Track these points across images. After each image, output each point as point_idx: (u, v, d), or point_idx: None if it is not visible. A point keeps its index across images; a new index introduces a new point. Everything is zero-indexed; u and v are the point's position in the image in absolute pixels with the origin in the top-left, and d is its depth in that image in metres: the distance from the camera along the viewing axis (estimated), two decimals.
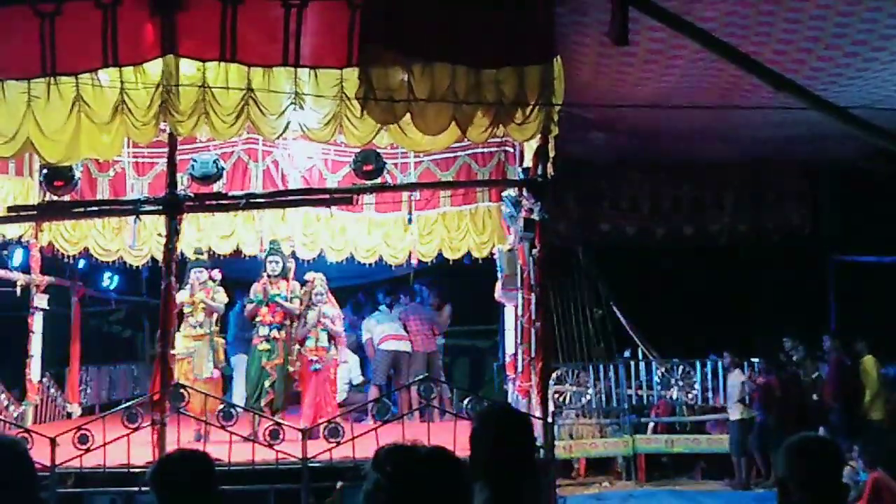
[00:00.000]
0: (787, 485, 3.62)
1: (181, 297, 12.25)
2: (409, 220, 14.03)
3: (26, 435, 9.54)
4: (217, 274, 12.92)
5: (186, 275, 12.64)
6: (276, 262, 12.76)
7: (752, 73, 9.32)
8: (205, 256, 13.21)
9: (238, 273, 13.92)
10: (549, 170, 10.54)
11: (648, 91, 12.32)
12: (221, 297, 12.74)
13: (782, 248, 16.73)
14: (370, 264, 14.93)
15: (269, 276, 12.64)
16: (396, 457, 2.43)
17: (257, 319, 12.60)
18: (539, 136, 10.41)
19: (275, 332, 12.51)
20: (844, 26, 10.18)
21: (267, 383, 12.35)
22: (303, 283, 12.77)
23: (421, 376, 11.80)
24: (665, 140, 14.53)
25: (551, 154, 10.59)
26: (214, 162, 11.54)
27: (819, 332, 16.02)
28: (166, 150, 10.55)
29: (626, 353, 15.64)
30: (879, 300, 15.62)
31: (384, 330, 15.15)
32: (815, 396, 15.15)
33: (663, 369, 15.02)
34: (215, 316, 12.71)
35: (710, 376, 14.94)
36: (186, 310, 12.48)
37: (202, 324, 12.49)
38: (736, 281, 16.57)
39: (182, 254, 12.33)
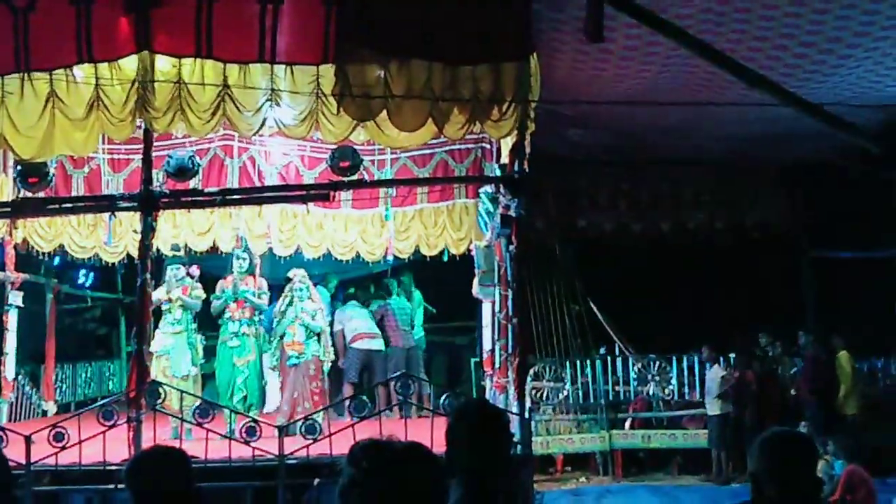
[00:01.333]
0: (759, 479, 3.64)
1: (158, 294, 12.20)
2: (387, 217, 14.02)
3: (0, 433, 9.49)
4: (195, 270, 12.86)
5: (163, 271, 12.60)
6: (244, 260, 12.80)
7: (726, 69, 9.38)
8: (182, 253, 13.17)
9: (214, 270, 13.86)
10: (526, 166, 10.55)
11: (625, 88, 12.35)
12: (199, 294, 12.69)
13: (759, 244, 16.81)
14: (347, 261, 14.89)
15: (236, 273, 12.67)
16: (371, 453, 2.43)
17: (226, 316, 12.58)
18: (516, 132, 10.44)
19: (244, 328, 12.50)
20: (819, 24, 10.24)
21: (239, 380, 12.32)
22: (284, 280, 12.79)
23: (398, 373, 11.81)
24: (642, 136, 14.57)
25: (528, 150, 10.60)
26: (190, 157, 11.48)
27: (796, 328, 16.12)
28: (142, 146, 10.50)
29: (603, 349, 15.66)
30: (855, 295, 15.74)
31: (356, 326, 15.08)
32: (792, 392, 15.25)
33: (640, 365, 15.06)
34: (193, 313, 12.65)
35: (686, 372, 14.99)
36: (164, 307, 12.43)
37: (179, 320, 12.44)
38: (713, 277, 16.64)
39: (158, 250, 12.29)
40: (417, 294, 16.20)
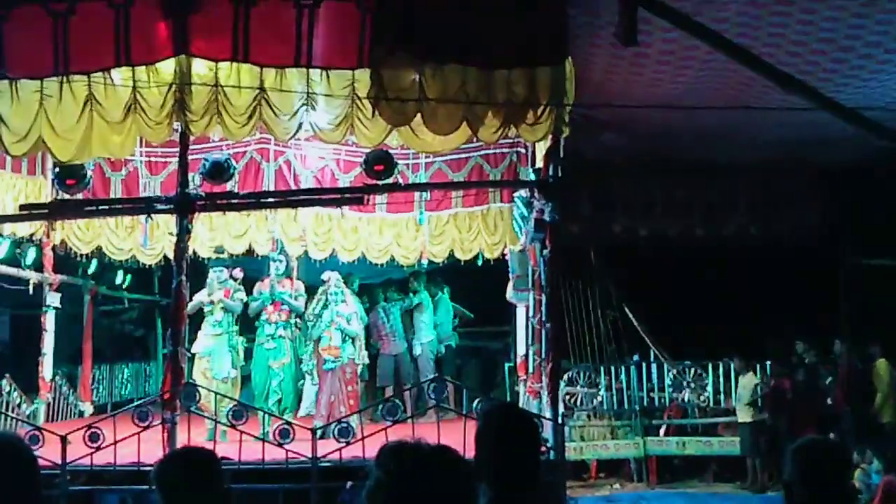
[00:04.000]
0: (793, 487, 3.61)
1: (200, 296, 12.30)
2: (421, 221, 14.03)
3: (37, 433, 9.58)
4: (238, 273, 12.95)
5: (206, 274, 12.69)
6: (281, 262, 12.86)
7: (762, 74, 9.30)
8: (224, 255, 13.24)
9: (250, 273, 13.95)
10: (561, 171, 10.52)
11: (661, 92, 12.28)
12: (240, 297, 12.75)
13: (795, 251, 16.64)
14: (381, 264, 14.92)
15: (273, 275, 12.73)
16: (398, 455, 2.42)
17: (262, 318, 12.64)
18: (550, 136, 10.41)
19: (280, 331, 12.55)
20: (858, 28, 10.13)
21: (275, 383, 12.37)
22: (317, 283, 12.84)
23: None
24: (678, 141, 14.47)
25: (562, 155, 10.57)
26: (226, 160, 11.53)
27: (831, 336, 15.95)
28: (178, 149, 10.57)
29: (637, 356, 15.58)
30: (892, 303, 15.54)
31: None
32: (829, 400, 15.09)
33: (675, 371, 14.97)
34: (235, 315, 12.70)
35: (721, 379, 14.87)
36: (206, 309, 12.51)
37: (221, 323, 12.50)
38: (748, 283, 16.50)
39: (194, 253, 12.37)
40: (444, 297, 16.12)
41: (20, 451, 2.78)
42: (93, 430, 9.55)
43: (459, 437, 7.64)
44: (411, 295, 15.58)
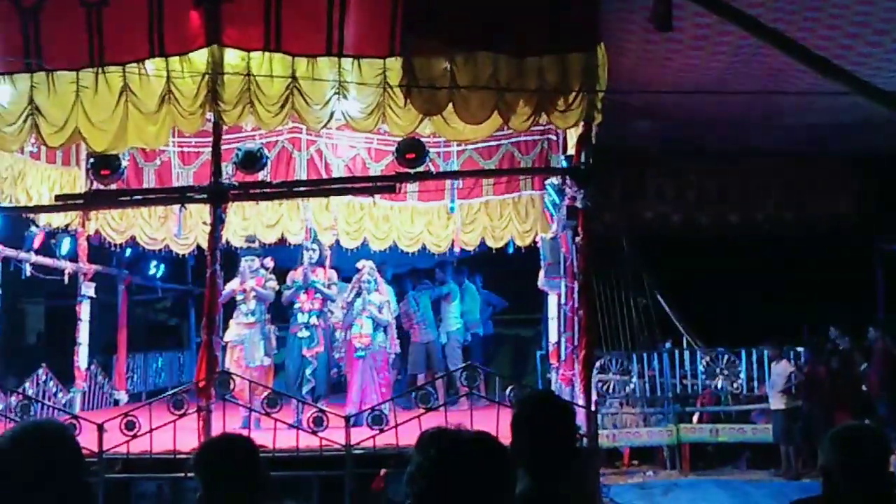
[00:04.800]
0: (831, 474, 3.60)
1: (232, 285, 12.36)
2: (452, 209, 14.03)
3: (74, 421, 9.67)
4: (269, 262, 12.99)
5: (237, 263, 12.75)
6: (314, 251, 12.89)
7: (797, 58, 9.21)
8: (256, 244, 13.31)
9: (283, 262, 14.01)
10: (592, 158, 10.49)
11: (694, 77, 12.21)
12: (273, 285, 12.81)
13: (828, 237, 16.53)
14: (413, 252, 14.95)
15: (306, 263, 12.77)
16: (440, 441, 2.43)
17: (296, 307, 12.69)
18: (582, 123, 10.38)
19: (314, 319, 12.60)
20: (893, 11, 10.02)
21: (308, 371, 12.42)
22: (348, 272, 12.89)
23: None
24: (711, 127, 14.39)
25: (594, 142, 10.53)
26: (259, 149, 11.55)
27: (866, 322, 15.83)
28: (211, 139, 10.62)
29: (670, 343, 15.54)
30: None
31: None
32: (863, 387, 14.99)
33: (708, 358, 14.90)
34: (267, 304, 12.77)
35: (755, 365, 14.80)
36: (238, 297, 12.58)
37: (253, 311, 12.56)
38: (781, 270, 16.41)
39: (228, 242, 12.43)
40: (470, 286, 16.11)
41: (66, 438, 2.82)
42: (129, 418, 9.63)
43: (493, 424, 7.68)
44: (439, 285, 15.59)
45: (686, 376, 14.88)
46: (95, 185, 11.79)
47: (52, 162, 13.18)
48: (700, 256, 16.33)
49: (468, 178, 13.89)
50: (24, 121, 10.18)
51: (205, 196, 10.60)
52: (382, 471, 9.64)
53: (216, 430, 9.47)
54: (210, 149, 10.84)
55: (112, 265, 15.48)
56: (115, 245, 14.41)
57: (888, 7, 9.92)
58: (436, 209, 14.59)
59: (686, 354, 14.98)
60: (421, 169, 11.42)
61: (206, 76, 9.97)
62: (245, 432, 9.22)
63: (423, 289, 15.55)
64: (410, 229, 14.64)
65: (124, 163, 11.83)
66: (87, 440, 9.14)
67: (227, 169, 11.08)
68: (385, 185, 11.80)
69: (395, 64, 9.99)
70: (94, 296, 14.09)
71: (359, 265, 12.95)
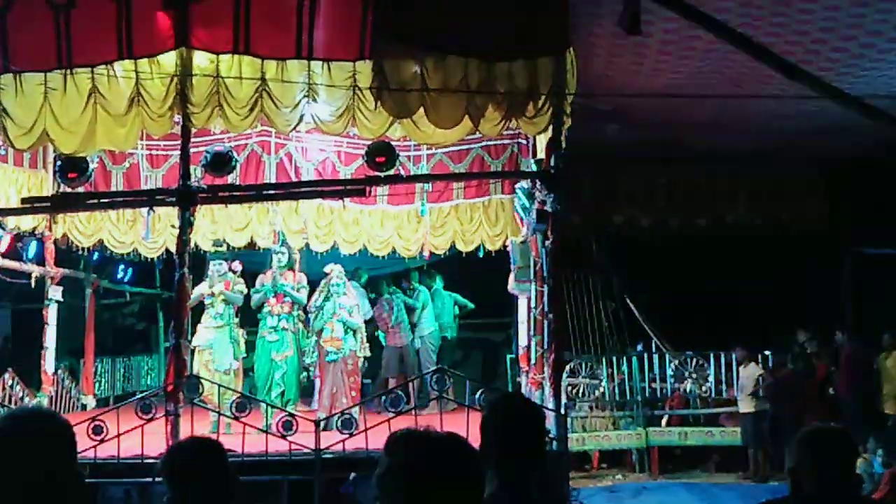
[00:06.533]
0: (799, 476, 3.62)
1: (200, 288, 12.30)
2: (422, 213, 14.02)
3: None
4: (237, 265, 12.94)
5: (205, 267, 12.68)
6: (283, 254, 12.85)
7: (766, 63, 9.29)
8: (224, 248, 13.24)
9: (252, 265, 13.95)
10: (562, 162, 10.51)
11: (663, 81, 12.28)
12: (241, 289, 12.76)
13: (798, 240, 16.63)
14: (383, 256, 14.92)
15: (275, 267, 12.72)
16: (409, 442, 2.42)
17: (265, 310, 12.64)
18: (551, 127, 10.40)
19: (283, 323, 12.55)
20: (859, 17, 10.12)
21: (277, 375, 12.37)
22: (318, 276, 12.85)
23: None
24: (680, 131, 14.47)
25: (564, 146, 10.56)
26: (228, 152, 11.49)
27: (834, 325, 15.95)
28: (180, 142, 10.56)
29: (640, 346, 15.58)
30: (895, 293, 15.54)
31: None
32: (831, 390, 15.10)
33: (677, 362, 14.95)
34: (235, 307, 12.71)
35: (724, 369, 14.87)
36: (207, 301, 12.52)
37: (222, 315, 12.50)
38: (751, 273, 16.49)
39: (196, 245, 12.36)
40: (439, 288, 16.11)
41: (64, 427, 2.73)
42: (96, 422, 9.54)
43: (462, 428, 7.67)
44: (411, 292, 15.63)
45: (655, 380, 14.92)
46: (63, 188, 11.70)
47: (19, 164, 13.04)
48: (669, 260, 16.39)
49: (438, 182, 13.91)
50: None
51: (173, 199, 10.55)
52: (352, 474, 9.61)
53: (184, 434, 9.41)
54: (179, 152, 10.78)
55: (80, 269, 15.35)
56: (83, 248, 14.29)
57: (854, 13, 10.01)
58: (406, 213, 14.55)
59: (655, 358, 15.02)
60: (391, 172, 11.41)
61: (175, 78, 9.93)
62: (214, 436, 9.21)
63: (398, 292, 15.55)
64: (380, 233, 14.59)
65: (92, 165, 11.77)
66: None
67: (196, 172, 11.02)
68: (355, 189, 11.79)
69: (364, 67, 9.99)
70: (61, 299, 13.96)
71: (327, 269, 12.92)
